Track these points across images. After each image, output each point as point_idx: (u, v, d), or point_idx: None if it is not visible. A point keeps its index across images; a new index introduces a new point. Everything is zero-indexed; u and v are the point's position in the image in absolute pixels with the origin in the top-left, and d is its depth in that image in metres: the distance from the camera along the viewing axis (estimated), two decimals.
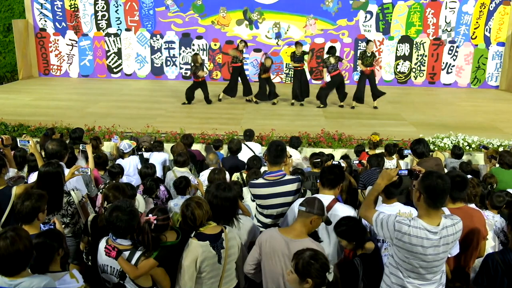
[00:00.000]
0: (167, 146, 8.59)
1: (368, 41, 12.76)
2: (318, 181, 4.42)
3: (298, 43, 12.87)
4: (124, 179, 6.82)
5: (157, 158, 7.60)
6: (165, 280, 3.48)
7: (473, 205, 4.62)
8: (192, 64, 12.47)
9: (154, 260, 3.36)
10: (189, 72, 16.39)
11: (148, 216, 3.51)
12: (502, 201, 5.13)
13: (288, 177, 4.55)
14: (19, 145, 5.65)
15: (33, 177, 4.75)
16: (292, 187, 4.47)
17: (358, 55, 12.87)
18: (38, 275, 2.98)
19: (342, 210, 4.04)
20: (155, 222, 3.48)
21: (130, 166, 7.21)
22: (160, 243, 3.48)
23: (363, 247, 3.70)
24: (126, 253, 3.34)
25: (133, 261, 3.32)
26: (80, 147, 6.53)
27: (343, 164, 6.85)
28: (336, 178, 4.15)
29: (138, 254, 3.34)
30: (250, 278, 3.71)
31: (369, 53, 12.29)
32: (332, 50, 12.55)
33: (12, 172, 5.24)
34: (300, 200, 3.85)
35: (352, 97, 12.76)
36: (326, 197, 3.97)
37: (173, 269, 3.49)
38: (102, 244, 3.42)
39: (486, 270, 3.56)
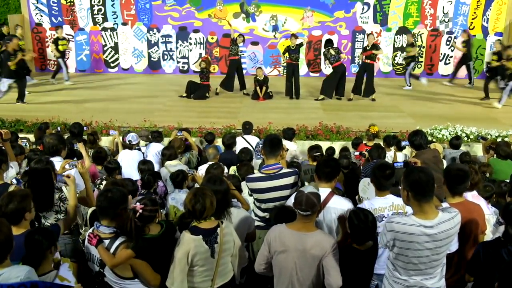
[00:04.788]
0: (165, 140, 8.54)
1: (368, 34, 12.73)
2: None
3: (293, 35, 12.84)
4: (133, 172, 6.66)
5: (155, 149, 7.51)
6: (146, 273, 3.40)
7: (474, 193, 4.56)
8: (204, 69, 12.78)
9: (131, 251, 3.32)
10: (186, 66, 16.40)
11: (136, 204, 3.45)
12: (489, 191, 5.03)
13: (285, 170, 4.54)
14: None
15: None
16: (289, 180, 4.46)
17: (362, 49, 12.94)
18: (18, 266, 2.91)
19: (339, 203, 4.03)
20: (140, 211, 3.40)
21: (134, 159, 7.11)
22: (142, 235, 3.41)
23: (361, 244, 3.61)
24: (106, 242, 3.33)
25: (112, 250, 3.30)
26: (74, 146, 6.38)
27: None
28: (332, 171, 4.15)
29: (117, 243, 3.32)
30: (262, 275, 3.71)
31: (368, 46, 12.34)
32: (329, 43, 12.61)
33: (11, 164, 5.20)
34: None
35: (350, 89, 12.73)
36: (322, 191, 3.96)
37: (155, 263, 3.43)
38: (87, 233, 3.46)
39: (476, 257, 3.54)
